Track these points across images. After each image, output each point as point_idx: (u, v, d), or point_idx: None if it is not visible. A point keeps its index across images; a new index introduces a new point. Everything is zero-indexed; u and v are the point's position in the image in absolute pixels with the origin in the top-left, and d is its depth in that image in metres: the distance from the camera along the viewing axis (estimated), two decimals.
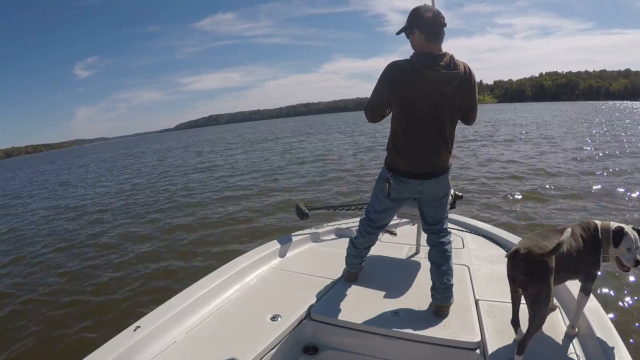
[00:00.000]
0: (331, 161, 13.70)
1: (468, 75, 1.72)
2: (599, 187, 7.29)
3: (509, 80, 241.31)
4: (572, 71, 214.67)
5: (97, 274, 4.92)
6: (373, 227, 2.07)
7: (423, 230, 2.06)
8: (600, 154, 11.10)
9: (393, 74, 1.72)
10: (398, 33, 1.78)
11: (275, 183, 10.38)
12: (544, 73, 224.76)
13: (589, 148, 12.52)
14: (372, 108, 1.85)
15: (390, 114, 1.86)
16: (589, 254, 1.53)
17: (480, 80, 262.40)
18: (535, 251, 1.39)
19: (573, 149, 12.65)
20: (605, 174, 8.53)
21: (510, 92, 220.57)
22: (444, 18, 1.68)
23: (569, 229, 1.43)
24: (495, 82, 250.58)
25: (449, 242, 1.95)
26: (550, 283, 1.38)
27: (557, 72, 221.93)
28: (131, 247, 5.93)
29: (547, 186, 7.57)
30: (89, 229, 7.45)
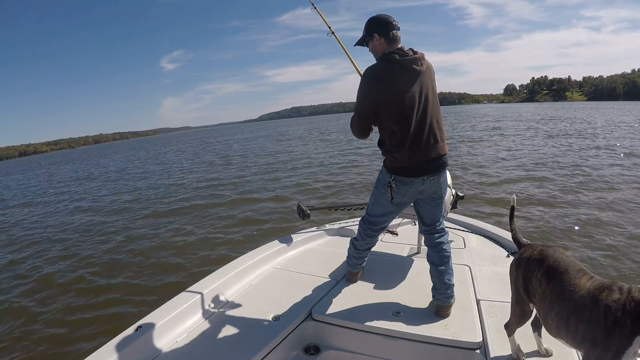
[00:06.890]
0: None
1: (425, 59, 1.79)
2: None
3: (599, 76, 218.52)
4: None
5: (97, 273, 4.90)
6: (373, 230, 2.04)
7: (420, 232, 2.06)
8: None
9: (373, 79, 1.72)
10: (356, 44, 1.89)
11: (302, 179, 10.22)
12: (636, 69, 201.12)
13: None
14: (361, 122, 1.80)
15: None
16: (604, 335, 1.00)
17: (569, 77, 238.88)
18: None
19: None
20: None
21: (601, 90, 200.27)
22: (396, 21, 1.78)
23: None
24: (584, 78, 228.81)
25: (447, 242, 1.92)
26: None
27: None
28: (130, 246, 5.92)
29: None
30: (80, 227, 7.58)
